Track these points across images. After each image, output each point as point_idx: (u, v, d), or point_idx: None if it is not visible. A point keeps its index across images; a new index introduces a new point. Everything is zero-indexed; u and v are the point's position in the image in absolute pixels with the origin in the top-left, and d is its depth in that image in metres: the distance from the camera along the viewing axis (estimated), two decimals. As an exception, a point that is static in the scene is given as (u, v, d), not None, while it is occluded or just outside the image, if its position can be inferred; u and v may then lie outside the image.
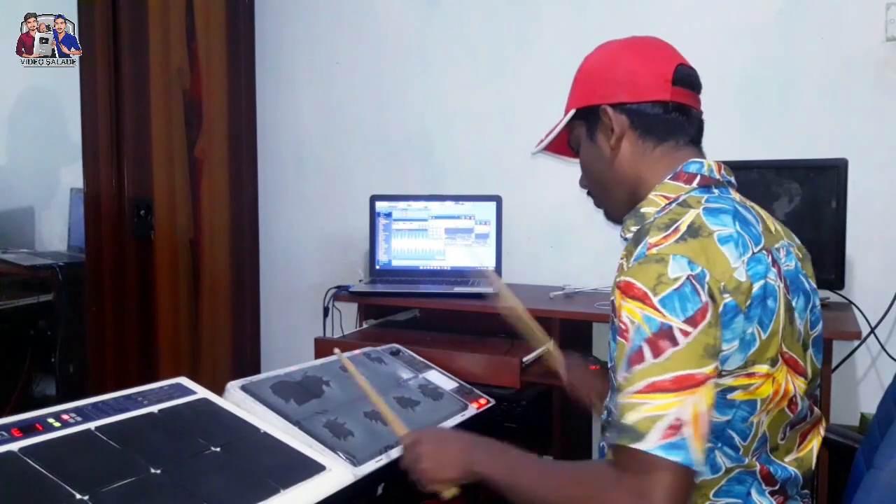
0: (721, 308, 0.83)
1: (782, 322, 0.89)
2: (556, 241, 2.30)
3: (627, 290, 0.85)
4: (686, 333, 0.81)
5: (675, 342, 0.80)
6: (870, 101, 1.89)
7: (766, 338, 0.87)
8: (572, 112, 1.08)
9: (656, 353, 0.80)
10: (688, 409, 0.78)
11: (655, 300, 0.82)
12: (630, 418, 0.79)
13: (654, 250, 0.86)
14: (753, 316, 0.86)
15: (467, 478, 0.98)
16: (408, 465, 1.05)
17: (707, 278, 0.83)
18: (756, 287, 0.86)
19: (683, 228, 0.87)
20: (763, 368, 0.88)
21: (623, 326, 0.84)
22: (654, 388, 0.79)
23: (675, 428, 0.77)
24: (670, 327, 0.81)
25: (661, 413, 0.78)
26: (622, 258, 0.94)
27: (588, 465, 0.90)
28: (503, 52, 2.34)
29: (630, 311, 0.84)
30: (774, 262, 0.90)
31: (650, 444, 0.77)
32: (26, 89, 3.14)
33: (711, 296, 0.83)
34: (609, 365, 1.03)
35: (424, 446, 1.03)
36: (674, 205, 0.95)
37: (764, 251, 0.90)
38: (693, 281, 0.82)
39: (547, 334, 1.45)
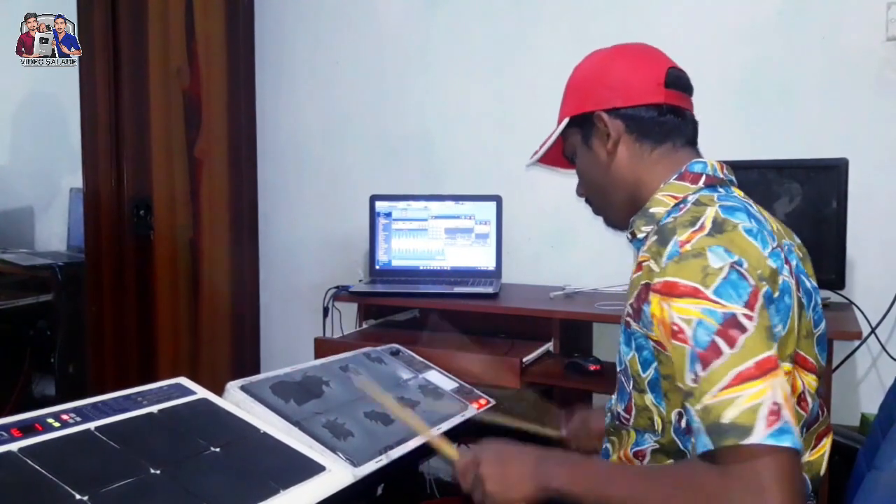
0: (763, 293, 0.83)
1: (796, 319, 0.89)
2: (556, 241, 2.30)
3: (672, 290, 0.83)
4: (749, 318, 0.79)
5: (743, 329, 0.79)
6: (870, 101, 1.89)
7: (785, 334, 0.87)
8: (566, 120, 1.08)
9: (731, 343, 0.78)
10: (779, 392, 0.76)
11: (709, 292, 0.80)
12: (728, 415, 0.75)
13: (687, 246, 0.85)
14: (779, 309, 0.86)
15: (542, 495, 0.92)
16: (471, 489, 0.98)
17: (745, 265, 0.83)
18: (780, 280, 0.86)
19: (709, 225, 0.87)
20: (787, 366, 0.87)
21: (677, 328, 0.82)
22: (741, 379, 0.76)
23: (776, 413, 0.75)
24: (734, 315, 0.79)
25: (758, 402, 0.75)
26: (645, 260, 0.92)
27: (686, 469, 0.83)
28: (503, 53, 2.34)
29: (682, 311, 0.82)
30: (787, 260, 0.91)
31: (759, 435, 0.74)
32: (27, 90, 3.14)
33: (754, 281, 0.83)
34: (619, 368, 1.03)
35: (486, 467, 0.96)
36: (687, 204, 0.94)
37: (778, 248, 0.90)
38: (737, 268, 0.82)
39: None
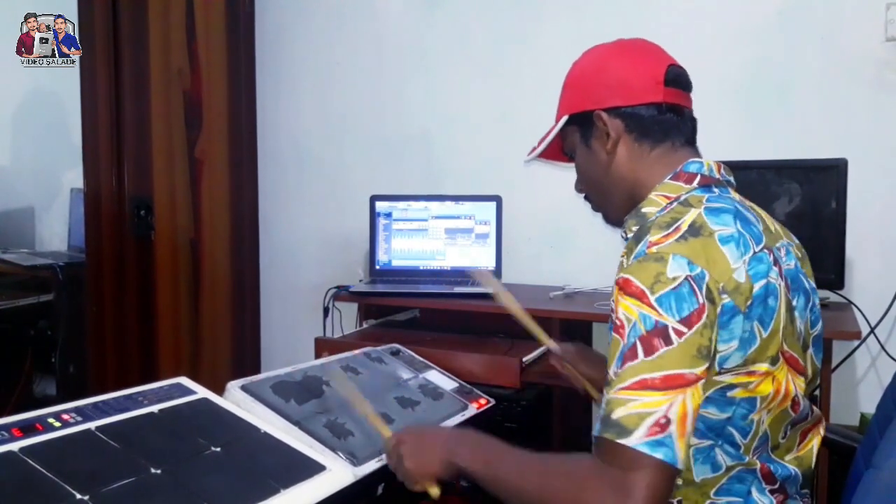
0: (720, 309, 0.83)
1: (783, 321, 0.89)
2: (556, 241, 2.30)
3: (625, 287, 0.85)
4: (680, 333, 0.81)
5: (668, 341, 0.81)
6: (870, 101, 1.89)
7: (767, 336, 0.87)
8: (565, 119, 1.08)
9: (649, 351, 0.80)
10: (675, 409, 0.78)
11: (652, 298, 0.82)
12: (617, 413, 0.79)
13: (654, 248, 0.86)
14: (754, 315, 0.86)
15: (448, 471, 0.98)
16: (394, 466, 1.05)
17: (706, 279, 0.83)
18: (757, 287, 0.86)
19: (685, 227, 0.87)
20: (763, 367, 0.88)
21: (619, 322, 0.84)
22: (643, 386, 0.79)
23: (661, 426, 0.78)
24: (665, 326, 0.81)
25: (648, 410, 0.78)
26: (623, 256, 0.94)
27: (569, 458, 0.87)
28: (503, 53, 2.34)
29: (626, 308, 0.84)
30: (776, 262, 0.90)
31: (635, 439, 0.77)
32: (27, 90, 3.15)
33: (710, 297, 0.83)
34: (608, 364, 1.04)
35: (405, 445, 1.03)
36: (675, 204, 0.95)
37: (765, 250, 0.90)
38: (691, 281, 0.82)
39: (546, 334, 1.44)
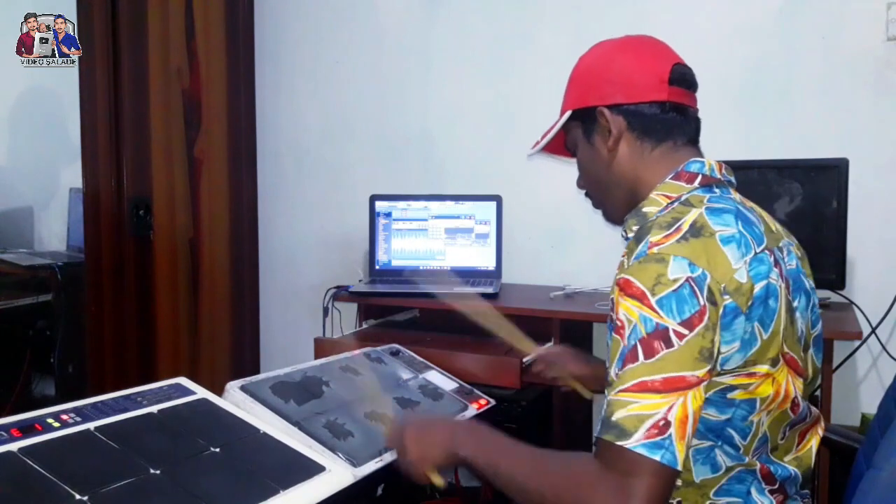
0: (721, 310, 0.83)
1: (783, 322, 0.89)
2: (556, 241, 2.30)
3: (626, 288, 0.84)
4: (681, 336, 0.80)
5: (669, 344, 0.80)
6: (870, 101, 1.89)
7: (768, 338, 0.87)
8: (568, 114, 1.07)
9: (649, 353, 0.80)
10: (675, 411, 0.78)
11: (653, 300, 0.82)
12: (617, 415, 0.79)
13: (655, 249, 0.85)
14: (754, 316, 0.85)
15: (451, 461, 0.99)
16: (397, 454, 1.05)
17: (707, 280, 0.83)
18: (758, 287, 0.86)
19: (686, 228, 0.87)
20: (763, 368, 0.87)
21: (619, 324, 0.84)
22: (643, 388, 0.79)
23: (661, 428, 0.77)
24: (666, 328, 0.81)
25: (648, 413, 0.78)
26: (623, 256, 0.94)
27: (571, 458, 0.88)
28: (504, 52, 2.34)
29: (627, 310, 0.83)
30: (777, 262, 0.90)
31: (634, 441, 0.77)
32: (26, 89, 3.14)
33: (711, 298, 0.82)
34: (607, 364, 1.03)
35: (408, 436, 1.03)
36: (676, 204, 0.94)
37: (766, 251, 0.89)
38: (692, 283, 0.82)
39: (531, 340, 1.47)
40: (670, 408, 0.78)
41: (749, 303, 0.85)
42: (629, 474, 0.77)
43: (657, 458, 0.77)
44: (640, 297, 0.83)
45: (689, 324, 0.81)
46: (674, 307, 0.81)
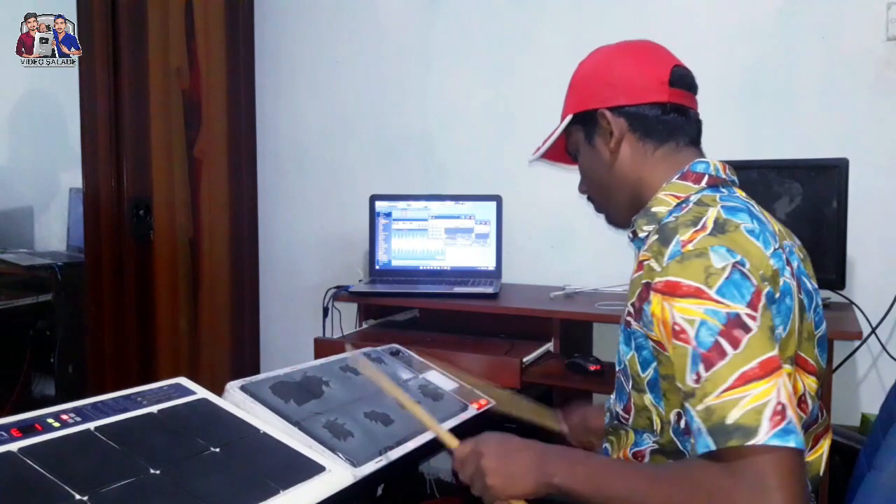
0: (766, 292, 0.83)
1: (797, 321, 0.89)
2: (556, 241, 2.30)
3: (675, 290, 0.83)
4: (753, 318, 0.79)
5: (747, 329, 0.78)
6: (870, 101, 1.89)
7: (786, 336, 0.87)
8: (570, 117, 1.08)
9: (734, 343, 0.77)
10: (783, 392, 0.76)
11: (712, 292, 0.80)
12: (733, 416, 0.75)
13: (690, 246, 0.85)
14: (780, 311, 0.86)
15: (543, 491, 0.89)
16: (470, 480, 0.95)
17: (748, 265, 0.82)
18: (781, 281, 0.86)
19: (710, 225, 0.87)
20: (787, 368, 0.87)
21: (678, 328, 0.82)
22: (746, 380, 0.76)
23: (780, 413, 0.74)
24: (738, 315, 0.79)
25: (762, 402, 0.75)
26: (646, 259, 0.91)
27: (689, 468, 0.81)
28: (503, 52, 2.34)
29: (685, 311, 0.81)
30: (788, 261, 0.90)
31: (764, 435, 0.73)
32: (26, 89, 3.14)
33: (758, 280, 0.82)
34: (618, 368, 1.03)
35: (488, 459, 0.92)
36: (689, 204, 0.94)
37: (780, 249, 0.90)
38: (739, 267, 0.82)
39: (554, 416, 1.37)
40: (778, 390, 0.76)
41: (778, 294, 0.85)
42: (764, 472, 0.73)
43: (791, 443, 0.73)
44: (697, 294, 0.81)
45: (753, 305, 0.80)
46: (735, 293, 0.80)
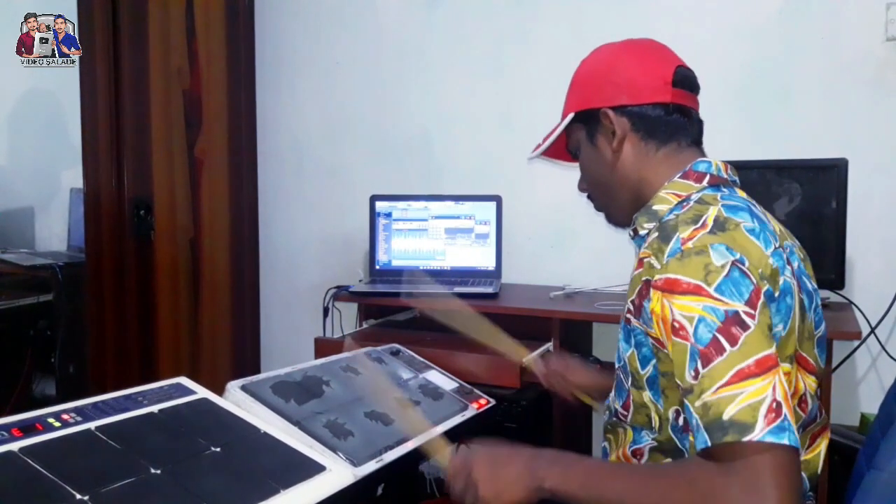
0: (765, 291, 0.83)
1: (797, 320, 0.89)
2: (556, 241, 2.30)
3: (674, 287, 0.83)
4: (751, 316, 0.80)
5: (745, 326, 0.79)
6: (870, 101, 1.89)
7: (786, 335, 0.87)
8: (571, 115, 1.08)
9: (732, 340, 0.78)
10: (779, 390, 0.76)
11: (711, 290, 0.81)
12: (729, 412, 0.75)
13: (689, 244, 0.85)
14: (779, 310, 0.86)
15: (536, 497, 0.89)
16: (461, 492, 0.94)
17: (747, 264, 0.83)
18: (781, 280, 0.87)
19: (711, 223, 0.87)
20: (786, 367, 0.87)
21: (678, 325, 0.82)
22: (742, 376, 0.76)
23: (775, 411, 0.75)
24: (736, 312, 0.79)
25: (758, 399, 0.75)
26: (646, 256, 0.92)
27: (683, 467, 0.83)
28: (503, 53, 2.34)
29: (684, 308, 0.82)
30: (788, 261, 0.91)
31: (759, 432, 0.74)
32: (27, 90, 3.14)
33: (757, 278, 0.83)
34: (617, 365, 1.03)
35: (478, 470, 0.92)
36: (690, 202, 0.94)
37: (780, 248, 0.90)
38: (738, 265, 0.82)
39: (523, 347, 1.45)
40: (773, 388, 0.76)
41: (777, 293, 0.85)
42: (759, 470, 0.73)
43: (785, 441, 0.74)
44: (697, 291, 0.81)
45: (751, 303, 0.80)
46: (733, 290, 0.81)
